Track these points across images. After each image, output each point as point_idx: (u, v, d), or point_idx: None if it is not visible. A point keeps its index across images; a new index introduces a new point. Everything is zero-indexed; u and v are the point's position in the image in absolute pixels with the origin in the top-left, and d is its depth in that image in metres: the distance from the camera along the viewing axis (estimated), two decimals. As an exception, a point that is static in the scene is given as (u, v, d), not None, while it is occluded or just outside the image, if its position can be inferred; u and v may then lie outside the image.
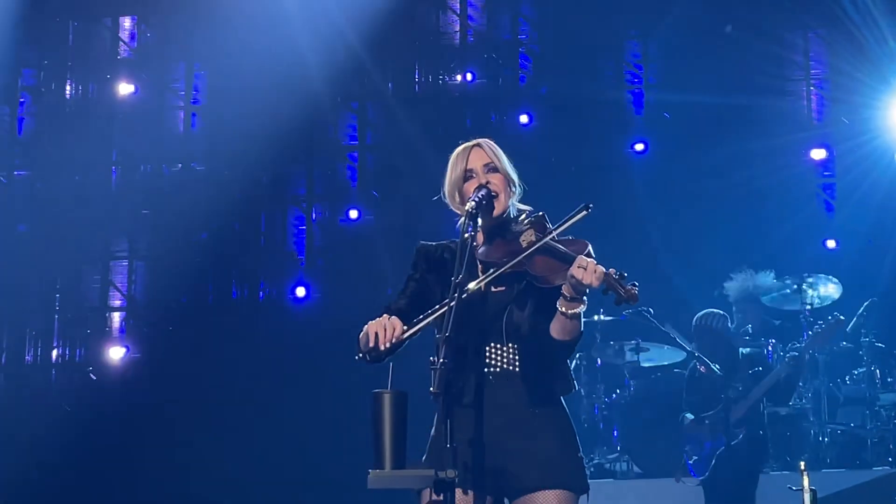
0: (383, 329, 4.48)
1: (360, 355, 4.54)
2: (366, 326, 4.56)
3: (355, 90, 12.71)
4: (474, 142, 4.91)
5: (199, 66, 12.61)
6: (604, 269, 4.40)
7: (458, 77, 12.60)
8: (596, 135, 12.12)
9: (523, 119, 12.50)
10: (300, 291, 12.52)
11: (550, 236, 4.66)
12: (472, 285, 4.60)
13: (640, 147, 12.41)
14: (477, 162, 4.83)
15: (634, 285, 4.41)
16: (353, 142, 12.74)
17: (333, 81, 12.17)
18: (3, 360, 12.29)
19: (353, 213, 12.44)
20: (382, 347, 4.46)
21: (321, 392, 11.29)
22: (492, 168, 4.82)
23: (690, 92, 11.75)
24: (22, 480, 11.22)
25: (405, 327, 4.53)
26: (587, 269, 4.39)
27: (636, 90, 12.51)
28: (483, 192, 4.71)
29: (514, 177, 4.87)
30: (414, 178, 11.59)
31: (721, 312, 9.89)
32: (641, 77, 12.51)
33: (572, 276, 4.42)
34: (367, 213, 12.45)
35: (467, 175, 4.82)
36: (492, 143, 4.92)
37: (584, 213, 4.64)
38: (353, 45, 11.96)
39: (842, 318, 9.83)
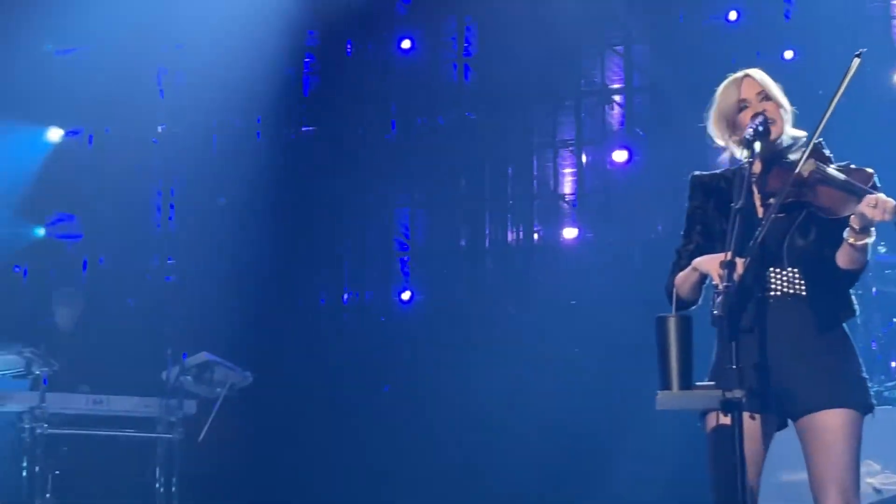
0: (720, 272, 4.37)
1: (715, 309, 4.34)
2: (702, 268, 4.63)
3: (619, 34, 12.82)
4: (743, 72, 4.93)
5: (469, 19, 12.99)
6: (894, 202, 4.43)
7: (723, 17, 12.54)
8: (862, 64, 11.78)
9: (788, 55, 12.36)
10: (571, 233, 12.79)
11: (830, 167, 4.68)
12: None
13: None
14: (750, 91, 4.86)
15: None
16: (619, 84, 12.91)
17: (597, 26, 12.32)
18: (299, 304, 13.03)
19: (622, 155, 12.48)
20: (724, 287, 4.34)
21: (599, 331, 11.28)
22: (765, 96, 4.86)
23: None
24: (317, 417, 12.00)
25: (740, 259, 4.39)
26: (877, 206, 4.42)
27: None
28: (760, 118, 4.74)
29: (787, 104, 4.91)
30: (681, 118, 11.62)
31: None
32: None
33: (863, 215, 4.45)
34: (636, 153, 12.57)
35: (741, 105, 4.86)
36: (762, 72, 4.95)
37: (857, 60, 4.68)
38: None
39: None
